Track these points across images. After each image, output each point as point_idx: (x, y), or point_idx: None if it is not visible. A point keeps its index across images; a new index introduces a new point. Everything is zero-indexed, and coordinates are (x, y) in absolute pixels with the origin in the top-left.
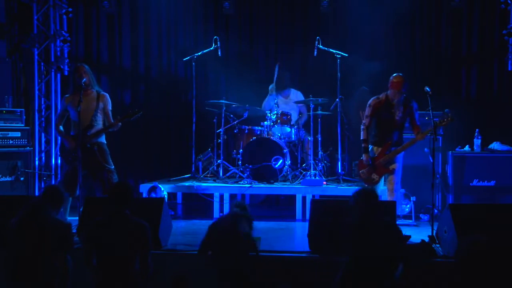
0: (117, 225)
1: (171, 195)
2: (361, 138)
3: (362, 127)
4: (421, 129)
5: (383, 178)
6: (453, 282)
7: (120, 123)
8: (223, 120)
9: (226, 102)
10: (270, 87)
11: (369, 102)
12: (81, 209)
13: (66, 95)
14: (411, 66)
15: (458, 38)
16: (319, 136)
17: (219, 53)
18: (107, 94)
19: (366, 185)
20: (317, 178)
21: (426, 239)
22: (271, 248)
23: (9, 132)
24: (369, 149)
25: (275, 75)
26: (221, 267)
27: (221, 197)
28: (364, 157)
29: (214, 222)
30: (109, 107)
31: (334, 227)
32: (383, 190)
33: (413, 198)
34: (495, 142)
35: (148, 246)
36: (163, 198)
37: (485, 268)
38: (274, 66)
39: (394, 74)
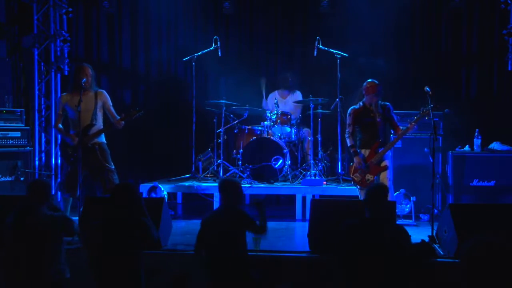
0: (117, 225)
1: (171, 195)
2: (349, 145)
3: (346, 135)
4: (401, 128)
5: (375, 178)
6: (456, 282)
7: (123, 122)
8: (223, 120)
9: (226, 102)
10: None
11: (348, 112)
12: (81, 209)
13: (63, 94)
14: (411, 66)
15: (458, 38)
16: (319, 136)
17: (219, 53)
18: (104, 91)
19: (360, 188)
20: (317, 178)
21: (426, 239)
22: (271, 248)
23: (9, 132)
24: (358, 152)
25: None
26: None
27: None
28: (356, 160)
29: (208, 217)
30: (110, 102)
31: (334, 227)
32: None
33: (413, 198)
34: (495, 142)
35: (150, 243)
36: (163, 198)
37: (489, 269)
38: (274, 66)
39: (368, 80)
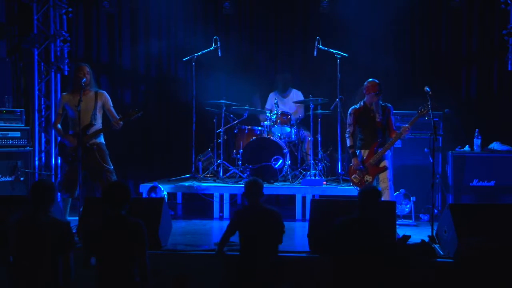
0: (114, 225)
1: (171, 195)
2: (348, 146)
3: (347, 135)
4: (396, 132)
5: (375, 179)
6: (451, 282)
7: (122, 122)
8: (223, 120)
9: (226, 102)
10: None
11: (349, 111)
12: (81, 209)
13: (64, 93)
14: (411, 66)
15: (458, 38)
16: (319, 136)
17: (219, 53)
18: (105, 92)
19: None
20: (317, 178)
21: (426, 239)
22: None
23: (9, 132)
24: (357, 153)
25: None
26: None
27: (221, 197)
28: (353, 161)
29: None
30: (110, 103)
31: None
32: None
33: (413, 198)
34: (495, 142)
35: (145, 244)
36: (163, 198)
37: (484, 269)
38: (274, 66)
39: (369, 79)
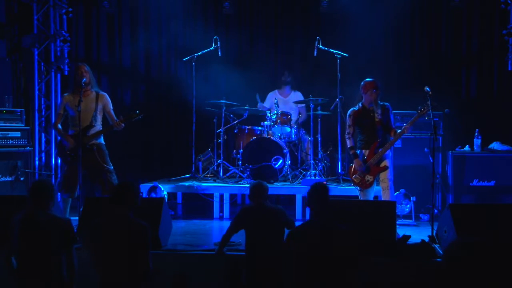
0: (117, 225)
1: (171, 195)
2: (348, 147)
3: (346, 136)
4: (396, 131)
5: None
6: (439, 282)
7: (123, 124)
8: (223, 120)
9: (226, 102)
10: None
11: (348, 113)
12: (81, 209)
13: (65, 94)
14: (411, 66)
15: (458, 38)
16: (319, 136)
17: (219, 53)
18: (106, 94)
19: (360, 189)
20: (317, 178)
21: (426, 239)
22: None
23: (9, 132)
24: (358, 154)
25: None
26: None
27: (221, 197)
28: (355, 162)
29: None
30: (110, 106)
31: None
32: (378, 190)
33: (413, 198)
34: (495, 142)
35: (147, 246)
36: (163, 198)
37: (467, 268)
38: (273, 66)
39: (365, 80)
